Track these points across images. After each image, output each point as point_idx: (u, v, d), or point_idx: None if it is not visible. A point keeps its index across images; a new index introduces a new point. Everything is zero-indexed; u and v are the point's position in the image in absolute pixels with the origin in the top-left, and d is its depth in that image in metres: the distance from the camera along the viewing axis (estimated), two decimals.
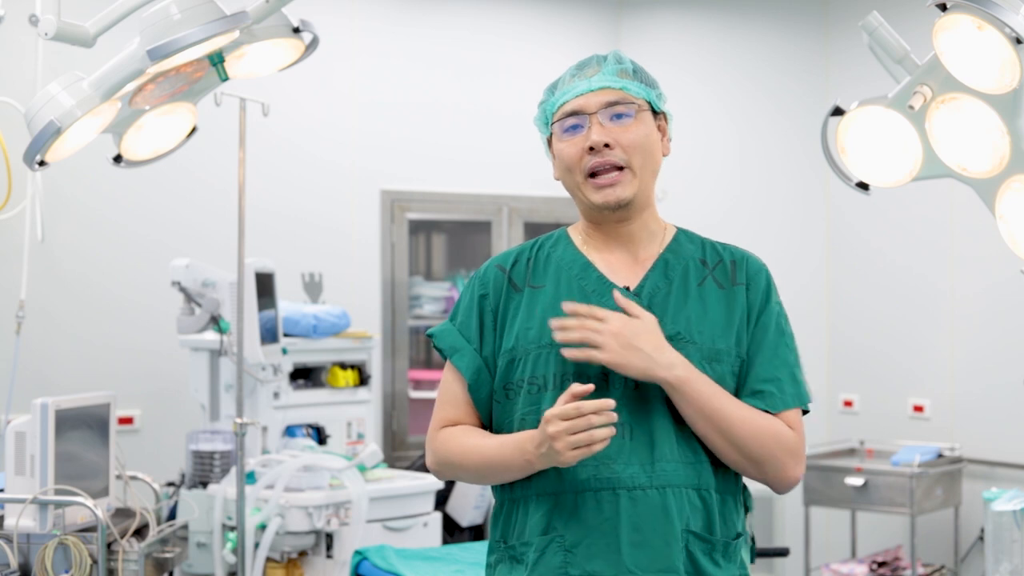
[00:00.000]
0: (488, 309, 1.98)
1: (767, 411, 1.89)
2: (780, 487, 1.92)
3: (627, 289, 1.93)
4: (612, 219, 1.95)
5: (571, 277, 1.95)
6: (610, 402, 1.77)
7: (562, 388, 1.85)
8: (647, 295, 1.92)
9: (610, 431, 1.77)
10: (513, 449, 1.87)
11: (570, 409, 1.76)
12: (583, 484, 1.85)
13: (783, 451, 1.88)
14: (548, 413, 1.78)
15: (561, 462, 1.79)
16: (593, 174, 1.91)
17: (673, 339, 1.88)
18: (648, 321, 1.87)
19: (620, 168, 1.91)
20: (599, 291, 1.93)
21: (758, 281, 1.95)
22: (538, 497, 1.89)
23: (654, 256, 1.96)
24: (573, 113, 1.93)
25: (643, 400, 1.86)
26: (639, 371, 1.83)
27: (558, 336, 1.85)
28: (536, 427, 1.84)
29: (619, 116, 1.91)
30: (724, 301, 1.92)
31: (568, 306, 1.88)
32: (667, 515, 1.84)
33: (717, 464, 1.89)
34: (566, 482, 1.86)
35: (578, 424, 1.76)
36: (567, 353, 1.85)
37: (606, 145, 1.90)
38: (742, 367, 1.91)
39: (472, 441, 1.94)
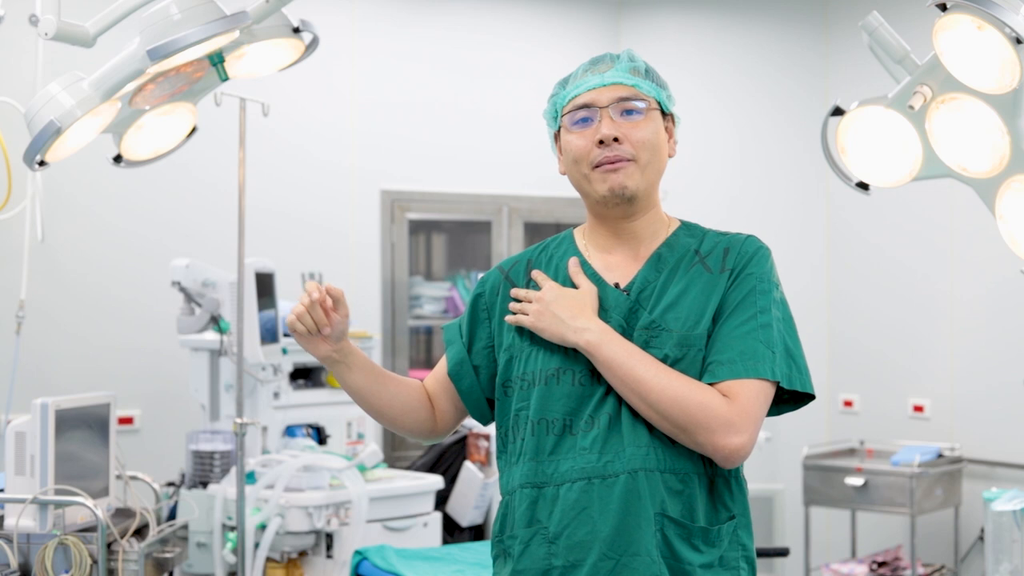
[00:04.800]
0: (481, 307, 2.06)
1: (712, 382, 1.85)
2: (716, 457, 1.85)
3: (617, 287, 1.95)
4: (617, 213, 1.96)
5: (567, 276, 1.98)
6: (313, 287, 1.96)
7: (547, 385, 1.92)
8: (636, 291, 1.94)
9: (304, 313, 1.96)
10: None
11: (311, 287, 1.97)
12: (563, 476, 1.88)
13: (711, 418, 1.81)
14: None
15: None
16: (598, 166, 1.93)
17: (648, 328, 1.90)
18: (581, 292, 1.94)
19: (627, 161, 1.92)
20: None
21: (738, 260, 1.93)
22: (522, 490, 1.93)
23: (651, 253, 1.97)
24: (584, 106, 1.94)
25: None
26: (553, 335, 1.91)
27: (511, 304, 1.99)
28: (526, 423, 1.93)
29: (629, 112, 1.93)
30: (707, 286, 1.92)
31: (536, 274, 1.99)
32: (639, 498, 1.84)
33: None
34: (547, 474, 1.90)
35: (302, 299, 1.97)
36: (507, 318, 1.98)
37: (615, 139, 1.91)
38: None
39: None
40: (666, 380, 1.84)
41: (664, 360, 1.87)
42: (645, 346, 1.88)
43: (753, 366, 1.85)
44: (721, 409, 1.83)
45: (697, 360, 1.88)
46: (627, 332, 1.91)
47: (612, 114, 1.93)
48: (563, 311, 1.91)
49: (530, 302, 1.96)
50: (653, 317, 1.90)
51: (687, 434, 1.84)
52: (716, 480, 1.90)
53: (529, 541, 1.90)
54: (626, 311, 1.93)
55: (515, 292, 2.00)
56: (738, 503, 1.93)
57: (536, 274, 2.00)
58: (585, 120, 1.94)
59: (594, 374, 1.90)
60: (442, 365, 2.09)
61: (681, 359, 1.88)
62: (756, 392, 1.85)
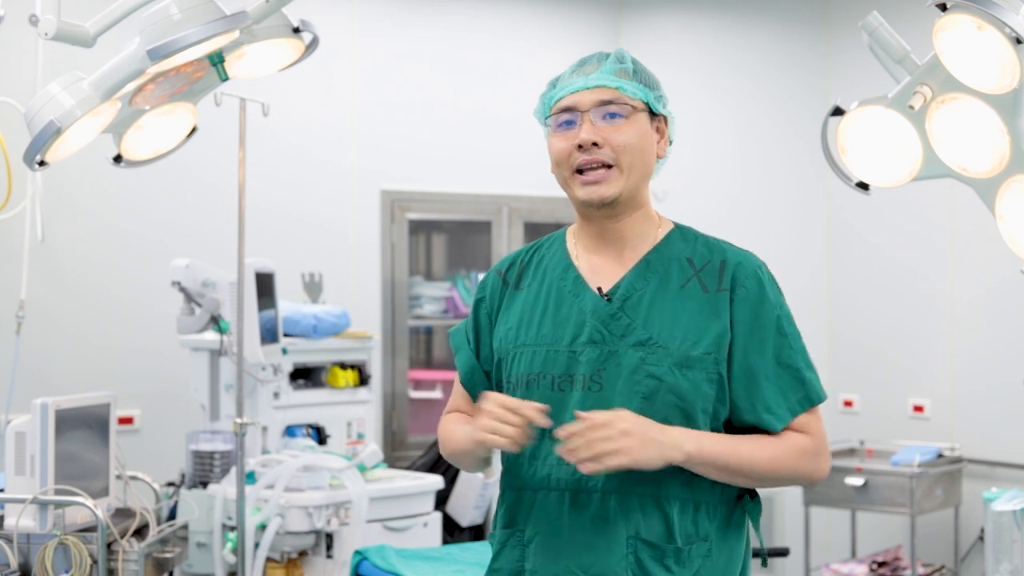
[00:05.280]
0: (483, 312, 2.04)
1: (786, 426, 1.90)
2: (813, 485, 1.98)
3: (599, 291, 1.93)
4: (600, 216, 1.95)
5: (553, 278, 1.97)
6: (542, 419, 1.81)
7: (527, 388, 1.91)
8: (620, 297, 1.91)
9: (520, 435, 1.81)
10: (464, 433, 1.94)
11: (511, 401, 1.82)
12: (540, 482, 1.89)
13: (805, 463, 1.90)
14: (495, 394, 1.86)
15: (474, 439, 1.86)
16: (580, 171, 1.92)
17: (644, 344, 1.87)
18: (626, 412, 1.83)
19: (608, 167, 1.91)
20: (574, 292, 1.95)
21: (746, 286, 1.91)
22: (506, 491, 1.95)
23: (639, 256, 1.95)
24: (566, 109, 1.93)
25: (605, 404, 1.85)
26: (658, 461, 1.80)
27: (569, 458, 1.80)
28: None
29: (612, 116, 1.91)
30: (705, 306, 1.90)
31: (563, 432, 1.81)
32: (609, 520, 1.85)
33: (685, 472, 1.86)
34: (525, 479, 1.91)
35: (504, 415, 1.81)
36: (584, 468, 1.78)
37: (595, 144, 1.90)
38: (724, 374, 1.88)
39: (452, 427, 2.04)
40: (759, 451, 1.87)
41: (660, 380, 1.85)
42: (641, 363, 1.86)
43: (807, 396, 1.91)
44: (810, 448, 1.90)
45: (700, 382, 1.86)
46: (608, 339, 1.88)
47: (593, 117, 1.91)
48: (657, 434, 1.81)
49: (602, 425, 1.79)
50: (650, 333, 1.88)
51: (787, 483, 1.94)
52: (700, 505, 1.89)
53: (506, 542, 1.93)
54: (606, 317, 1.90)
55: (567, 433, 1.80)
56: (715, 527, 1.90)
57: (569, 429, 1.81)
58: (568, 123, 1.93)
59: (570, 379, 1.88)
60: (457, 381, 2.10)
61: (682, 379, 1.86)
62: (819, 417, 1.94)
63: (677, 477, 1.86)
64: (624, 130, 1.91)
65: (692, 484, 1.87)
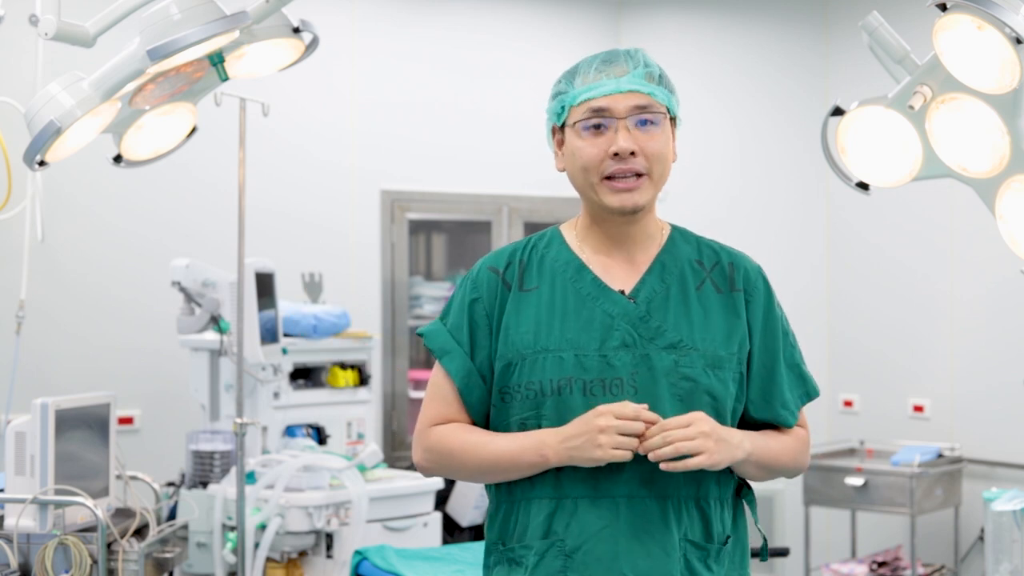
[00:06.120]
0: (481, 313, 1.94)
1: (794, 422, 1.98)
2: (798, 476, 2.04)
3: (622, 293, 1.91)
4: (618, 221, 1.93)
5: (566, 280, 1.92)
6: (663, 420, 1.82)
7: (559, 394, 1.85)
8: (644, 300, 1.90)
9: (637, 443, 1.82)
10: (526, 445, 1.86)
11: (629, 410, 1.80)
12: (584, 490, 1.85)
13: (806, 455, 2.01)
14: (603, 407, 1.80)
15: (592, 458, 1.80)
16: (610, 177, 1.88)
17: (676, 347, 1.87)
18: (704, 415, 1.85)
19: (639, 175, 1.88)
20: (594, 294, 1.91)
21: (758, 288, 1.95)
22: (539, 500, 1.89)
23: (651, 258, 1.94)
24: (599, 111, 1.88)
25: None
26: (728, 461, 1.84)
27: (651, 456, 1.79)
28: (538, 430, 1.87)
29: (644, 123, 1.88)
30: (724, 306, 1.92)
31: (643, 414, 1.82)
32: (666, 525, 1.85)
33: (717, 473, 1.89)
34: (566, 487, 1.86)
35: (631, 426, 1.79)
36: (666, 467, 1.79)
37: (631, 153, 1.86)
38: (743, 377, 1.92)
39: (474, 437, 1.93)
40: (784, 446, 1.96)
41: (696, 382, 1.86)
42: (675, 365, 1.86)
43: (807, 392, 2.00)
44: (807, 441, 2.01)
45: (728, 381, 1.88)
46: (639, 343, 1.87)
47: (628, 124, 1.87)
48: (727, 435, 1.84)
49: (683, 426, 1.80)
50: (681, 336, 1.88)
51: (788, 475, 2.01)
52: (724, 504, 1.92)
53: (545, 553, 1.87)
54: (636, 320, 1.88)
55: (647, 417, 1.81)
56: (738, 525, 1.97)
57: (644, 414, 1.82)
58: (598, 126, 1.88)
59: (606, 384, 1.86)
60: (446, 385, 1.95)
61: (714, 379, 1.87)
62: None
63: (711, 477, 1.88)
64: (657, 138, 1.88)
65: (721, 483, 1.90)
